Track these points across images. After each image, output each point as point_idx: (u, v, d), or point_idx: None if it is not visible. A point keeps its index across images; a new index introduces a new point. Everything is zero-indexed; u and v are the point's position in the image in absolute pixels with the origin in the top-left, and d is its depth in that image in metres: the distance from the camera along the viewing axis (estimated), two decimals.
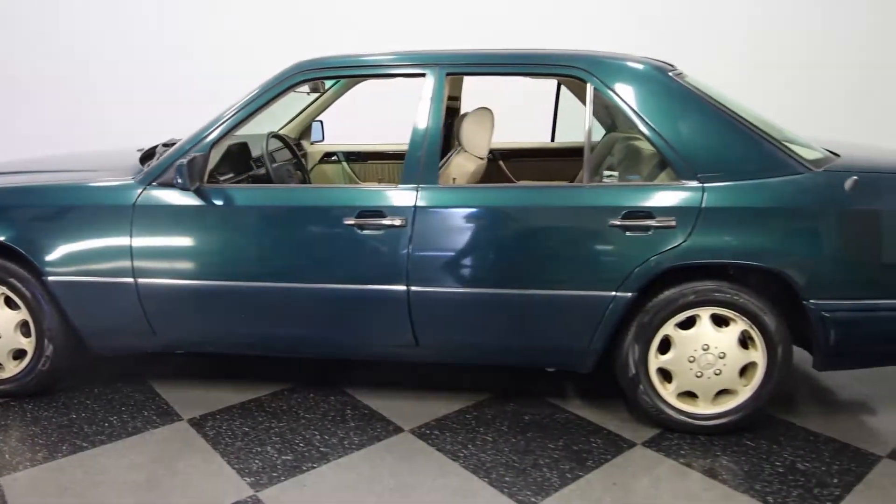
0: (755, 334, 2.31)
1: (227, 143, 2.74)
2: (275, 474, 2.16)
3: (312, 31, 5.20)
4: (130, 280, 2.44)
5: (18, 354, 2.63)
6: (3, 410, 2.58)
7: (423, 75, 2.41)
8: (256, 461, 2.23)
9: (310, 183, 3.44)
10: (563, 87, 3.56)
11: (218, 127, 2.44)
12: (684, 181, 2.26)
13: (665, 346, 2.37)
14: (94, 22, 5.46)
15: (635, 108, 2.30)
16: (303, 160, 3.22)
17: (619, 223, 2.24)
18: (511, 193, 2.34)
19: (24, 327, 2.59)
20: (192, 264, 2.43)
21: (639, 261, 2.25)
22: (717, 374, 2.33)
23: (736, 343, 2.31)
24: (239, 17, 5.34)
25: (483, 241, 2.32)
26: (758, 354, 2.32)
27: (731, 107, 2.37)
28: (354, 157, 3.85)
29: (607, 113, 3.27)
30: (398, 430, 2.45)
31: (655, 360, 2.37)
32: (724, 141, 2.28)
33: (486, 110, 2.75)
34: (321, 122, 3.87)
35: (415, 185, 2.34)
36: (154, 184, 2.44)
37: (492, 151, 3.74)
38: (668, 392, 2.40)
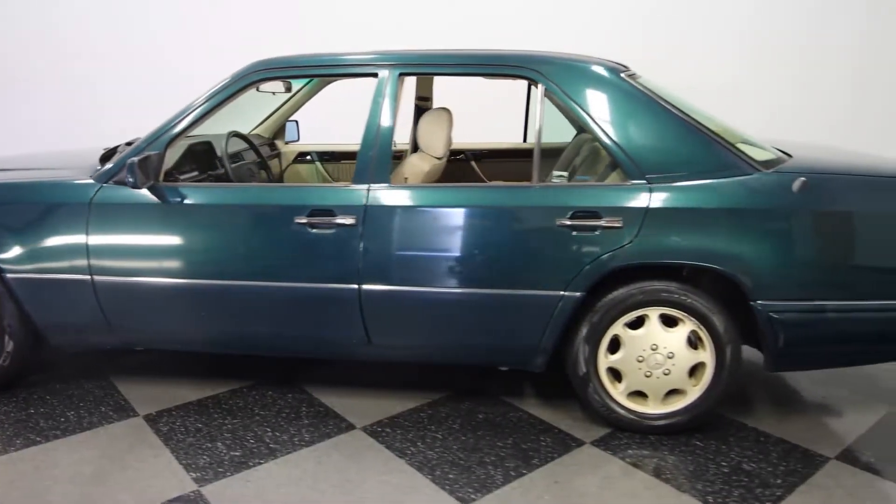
0: (703, 335, 2.31)
1: (187, 142, 2.77)
2: (221, 470, 2.18)
3: (311, 31, 5.23)
4: (87, 277, 2.47)
5: None
6: None
7: (375, 75, 2.43)
8: (205, 457, 2.25)
9: (275, 182, 3.46)
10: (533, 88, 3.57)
11: (173, 126, 2.46)
12: (633, 181, 2.27)
13: (615, 345, 2.38)
14: (94, 20, 5.48)
15: (585, 109, 2.32)
16: (266, 160, 3.24)
17: (566, 223, 2.25)
18: (460, 193, 2.36)
19: None
20: (146, 262, 2.45)
21: (586, 261, 2.26)
22: (665, 374, 2.34)
23: (684, 343, 2.32)
24: (239, 17, 5.35)
25: (432, 241, 2.34)
26: (706, 355, 2.33)
27: (684, 108, 2.37)
28: (328, 157, 3.87)
29: None
30: (350, 427, 2.46)
31: (605, 360, 2.38)
32: (673, 142, 2.29)
33: (443, 110, 2.76)
34: (296, 122, 3.89)
35: (366, 185, 2.36)
36: (110, 182, 2.47)
37: (464, 152, 3.77)
38: (618, 391, 2.40)
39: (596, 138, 2.32)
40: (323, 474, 2.16)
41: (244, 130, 3.63)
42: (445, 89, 3.57)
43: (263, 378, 2.85)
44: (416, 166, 2.58)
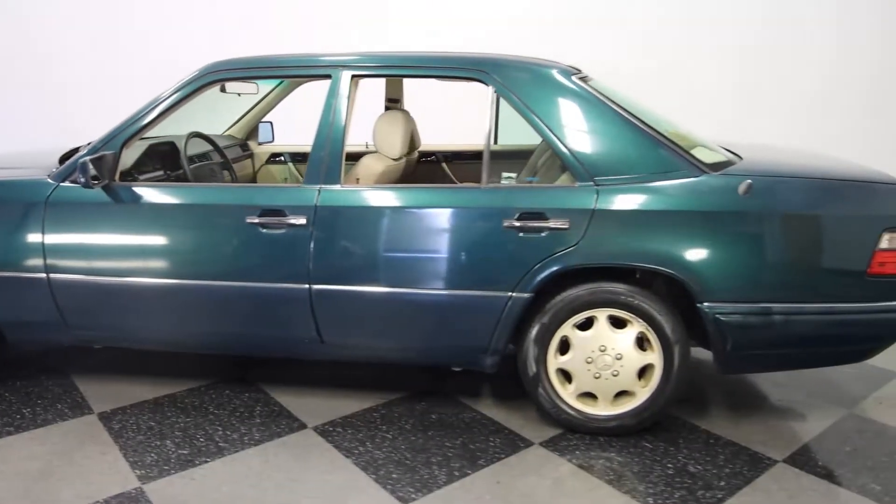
0: (651, 336, 2.32)
1: (148, 143, 2.80)
2: (166, 468, 2.19)
3: (310, 33, 5.27)
4: (43, 275, 2.49)
5: None
6: None
7: (328, 77, 2.45)
8: (152, 455, 2.27)
9: (240, 183, 3.47)
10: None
11: (129, 127, 2.48)
12: (580, 183, 2.28)
13: (565, 346, 2.38)
14: (74, 19, 5.52)
15: (533, 111, 2.33)
16: (230, 161, 3.26)
17: (513, 224, 2.26)
18: (409, 194, 2.37)
19: None
20: (100, 261, 2.47)
21: (533, 262, 2.27)
22: (614, 376, 2.34)
23: (633, 345, 2.33)
24: (228, 22, 5.39)
25: (382, 241, 2.35)
26: (654, 356, 2.33)
27: (635, 111, 2.38)
28: (301, 158, 3.89)
29: None
30: (302, 426, 2.48)
31: (555, 361, 2.39)
32: (620, 144, 2.30)
33: (399, 112, 2.78)
34: (270, 123, 3.92)
35: (317, 185, 2.38)
36: (66, 181, 2.49)
37: (435, 154, 3.78)
38: (567, 393, 2.41)
39: (545, 140, 2.33)
40: (267, 473, 2.18)
41: (218, 131, 3.66)
42: (418, 91, 3.59)
43: (223, 377, 2.87)
44: (370, 167, 2.59)
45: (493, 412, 2.61)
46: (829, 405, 2.70)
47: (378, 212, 2.35)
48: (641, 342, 2.34)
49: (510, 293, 2.30)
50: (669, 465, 2.25)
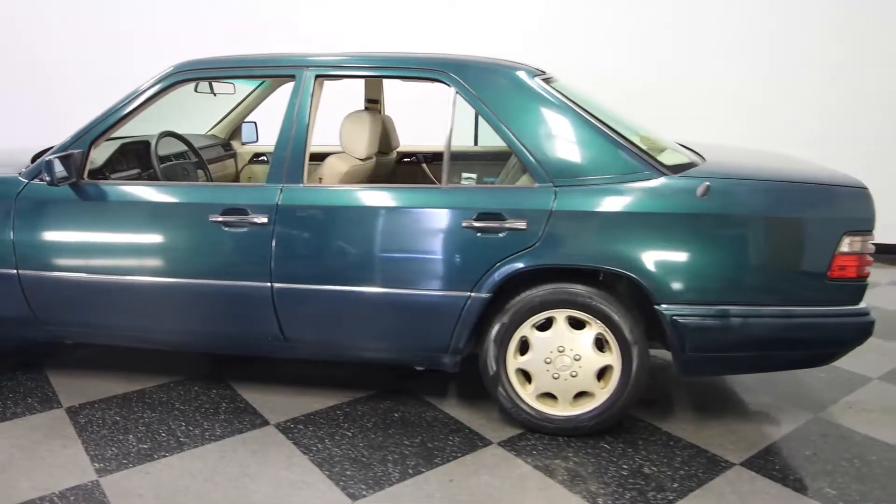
0: (609, 337, 2.32)
1: (120, 142, 2.83)
2: (125, 461, 2.23)
3: (307, 32, 5.32)
4: (13, 271, 2.53)
5: None
6: None
7: (292, 77, 2.48)
8: (113, 448, 2.30)
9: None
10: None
11: (96, 126, 2.52)
12: (539, 184, 2.29)
13: (526, 347, 2.39)
14: (69, 19, 5.60)
15: (493, 112, 2.34)
16: (205, 160, 3.30)
17: (471, 225, 2.28)
18: (369, 194, 2.39)
19: None
20: (67, 258, 2.51)
21: (491, 262, 2.28)
22: (573, 377, 2.35)
23: (591, 346, 2.33)
24: (225, 21, 5.44)
25: (342, 241, 2.37)
26: (613, 358, 2.33)
27: (597, 112, 2.39)
28: None
29: None
30: (265, 423, 2.50)
31: (514, 361, 2.39)
32: (580, 146, 2.30)
33: (365, 112, 2.79)
34: (254, 123, 3.96)
35: (279, 185, 2.40)
36: (36, 179, 2.54)
37: (415, 154, 3.80)
38: (527, 393, 2.41)
39: (505, 141, 2.34)
40: (222, 468, 2.20)
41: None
42: (400, 92, 3.61)
43: (194, 374, 2.90)
44: (335, 167, 2.61)
45: (457, 412, 2.62)
46: (797, 409, 2.68)
47: (338, 211, 2.37)
48: (602, 344, 2.34)
49: (469, 293, 2.31)
50: (625, 467, 2.25)
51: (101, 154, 2.75)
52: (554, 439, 2.41)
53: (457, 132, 3.88)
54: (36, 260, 2.52)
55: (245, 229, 2.38)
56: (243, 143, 3.94)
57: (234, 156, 3.85)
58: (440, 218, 2.31)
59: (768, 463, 2.29)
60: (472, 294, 2.31)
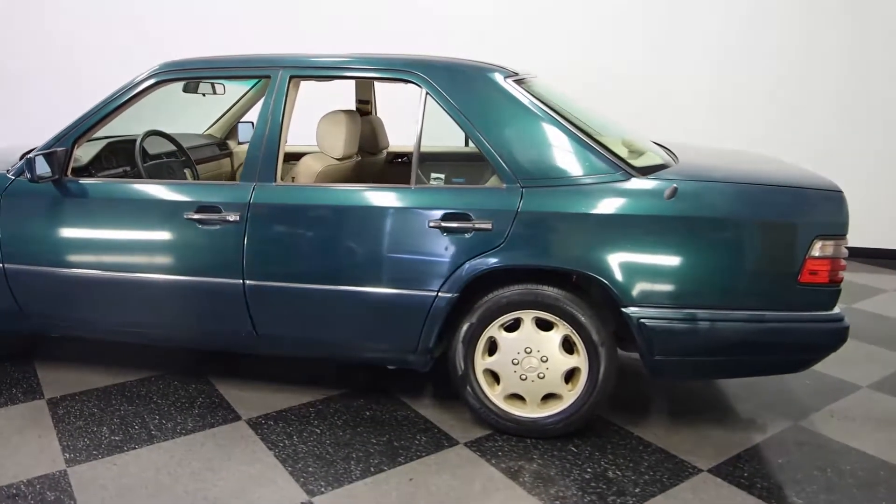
0: (576, 339, 2.30)
1: (107, 141, 2.90)
2: (95, 452, 2.27)
3: (306, 32, 5.38)
4: None
5: None
6: None
7: (268, 77, 2.51)
8: (85, 440, 2.35)
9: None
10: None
11: (79, 124, 2.58)
12: (507, 185, 2.28)
13: (494, 347, 2.38)
14: (89, 19, 5.73)
15: (462, 112, 2.34)
16: (193, 160, 3.35)
17: (438, 224, 2.28)
18: (339, 194, 2.41)
19: None
20: (51, 253, 2.58)
21: (458, 262, 2.28)
22: (540, 378, 2.33)
23: (559, 347, 2.31)
24: (228, 19, 5.53)
25: (312, 239, 2.39)
26: (580, 359, 2.32)
27: (569, 114, 2.38)
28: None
29: None
30: (236, 418, 2.53)
31: (482, 361, 2.39)
32: (548, 147, 2.29)
33: (341, 112, 2.81)
34: (251, 122, 4.00)
35: (252, 183, 2.44)
36: (22, 176, 2.61)
37: (406, 155, 3.81)
38: (495, 394, 2.41)
39: (473, 141, 2.34)
40: (187, 461, 2.23)
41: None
42: (398, 93, 3.63)
43: (176, 368, 2.95)
44: (309, 167, 2.64)
45: (429, 411, 2.62)
46: (778, 416, 2.63)
47: (309, 210, 2.39)
48: (571, 346, 2.33)
49: (436, 292, 2.32)
50: (589, 470, 2.23)
51: (87, 152, 2.81)
52: (521, 441, 2.40)
53: (450, 133, 3.95)
54: (20, 255, 2.59)
55: (218, 227, 2.42)
56: (239, 143, 3.99)
57: (230, 155, 3.91)
58: (408, 217, 2.32)
59: (737, 470, 2.25)
60: (440, 293, 2.32)
